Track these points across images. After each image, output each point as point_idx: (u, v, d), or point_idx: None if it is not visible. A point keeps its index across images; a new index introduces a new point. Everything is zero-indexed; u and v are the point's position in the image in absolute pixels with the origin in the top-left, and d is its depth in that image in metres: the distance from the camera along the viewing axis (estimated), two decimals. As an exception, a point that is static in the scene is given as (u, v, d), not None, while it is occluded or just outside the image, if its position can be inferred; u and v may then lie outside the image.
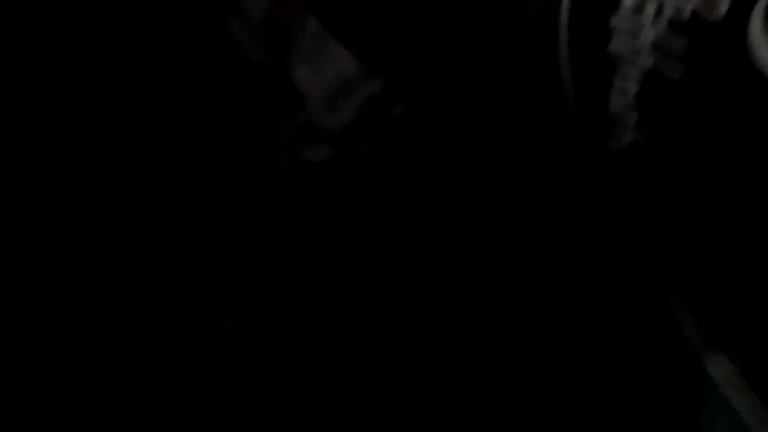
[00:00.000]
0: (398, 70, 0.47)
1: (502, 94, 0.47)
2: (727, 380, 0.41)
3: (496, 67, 0.47)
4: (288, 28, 0.47)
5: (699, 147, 0.43)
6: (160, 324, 0.44)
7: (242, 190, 0.46)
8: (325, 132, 0.46)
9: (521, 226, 0.45)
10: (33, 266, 0.45)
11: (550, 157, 0.46)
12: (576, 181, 0.45)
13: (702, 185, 0.43)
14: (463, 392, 0.44)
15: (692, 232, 0.42)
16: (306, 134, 0.46)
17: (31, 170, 0.46)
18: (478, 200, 0.46)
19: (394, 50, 0.47)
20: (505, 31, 0.47)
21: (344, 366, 0.44)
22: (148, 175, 0.46)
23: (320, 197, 0.46)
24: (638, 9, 0.43)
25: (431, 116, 0.46)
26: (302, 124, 0.47)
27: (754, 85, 0.42)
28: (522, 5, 0.46)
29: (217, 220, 0.46)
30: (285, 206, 0.46)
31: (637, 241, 0.43)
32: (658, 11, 0.43)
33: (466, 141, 0.46)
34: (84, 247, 0.45)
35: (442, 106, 0.47)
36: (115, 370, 0.44)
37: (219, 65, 0.47)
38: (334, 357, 0.44)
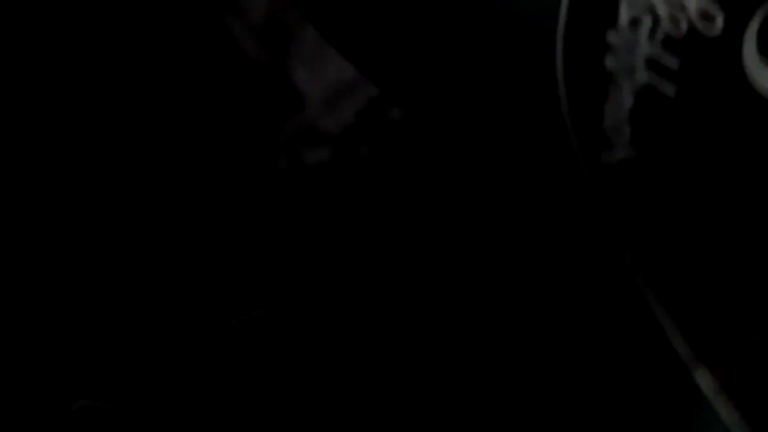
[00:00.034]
0: (397, 75, 0.47)
1: (501, 99, 0.47)
2: (713, 394, 0.42)
3: (494, 71, 0.47)
4: (288, 29, 0.47)
5: (692, 163, 0.43)
6: (160, 326, 0.45)
7: (242, 191, 0.46)
8: (325, 134, 0.47)
9: (517, 231, 0.46)
10: (32, 266, 0.45)
11: (548, 162, 0.46)
12: (570, 191, 0.45)
13: (694, 201, 0.43)
14: (463, 396, 0.44)
15: (684, 247, 0.43)
16: (305, 136, 0.47)
17: (30, 170, 0.46)
18: (476, 203, 0.46)
19: (393, 55, 0.47)
20: (503, 38, 0.47)
21: (346, 368, 0.45)
22: (148, 175, 0.46)
23: (320, 199, 0.46)
24: (634, 24, 0.44)
25: (430, 121, 0.47)
26: (302, 125, 0.47)
27: (750, 104, 0.42)
28: (520, 15, 0.46)
29: (217, 222, 0.46)
30: (285, 208, 0.46)
31: (628, 252, 0.43)
32: (654, 27, 0.43)
33: (465, 146, 0.46)
34: (84, 248, 0.45)
35: (441, 111, 0.47)
36: (115, 373, 0.44)
37: (219, 65, 0.47)
38: (336, 359, 0.45)
